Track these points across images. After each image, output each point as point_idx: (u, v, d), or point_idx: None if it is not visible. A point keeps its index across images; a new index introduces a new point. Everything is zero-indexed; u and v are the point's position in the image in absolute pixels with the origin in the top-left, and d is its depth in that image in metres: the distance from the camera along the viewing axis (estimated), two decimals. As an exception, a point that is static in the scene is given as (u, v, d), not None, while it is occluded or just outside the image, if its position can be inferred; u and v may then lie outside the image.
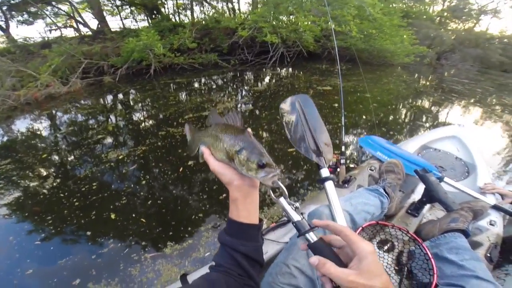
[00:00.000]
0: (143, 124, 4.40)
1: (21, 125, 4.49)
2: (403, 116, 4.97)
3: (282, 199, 0.56)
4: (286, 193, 0.54)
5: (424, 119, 4.77)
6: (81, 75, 5.90)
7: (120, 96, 5.64)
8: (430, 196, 1.20)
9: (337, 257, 0.48)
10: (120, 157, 3.43)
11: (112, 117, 4.76)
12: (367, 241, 0.46)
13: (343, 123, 1.76)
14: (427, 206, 1.32)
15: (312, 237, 0.51)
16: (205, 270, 0.86)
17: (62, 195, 2.87)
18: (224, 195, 2.74)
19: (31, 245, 2.21)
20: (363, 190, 1.26)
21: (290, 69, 8.20)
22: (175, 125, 4.10)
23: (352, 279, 0.42)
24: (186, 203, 2.72)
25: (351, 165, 1.92)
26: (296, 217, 0.54)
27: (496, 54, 12.34)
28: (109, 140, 3.90)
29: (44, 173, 3.25)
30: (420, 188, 1.42)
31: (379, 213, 1.17)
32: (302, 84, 6.56)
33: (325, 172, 0.96)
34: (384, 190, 1.26)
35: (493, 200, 1.40)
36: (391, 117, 4.77)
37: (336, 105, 4.76)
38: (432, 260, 0.87)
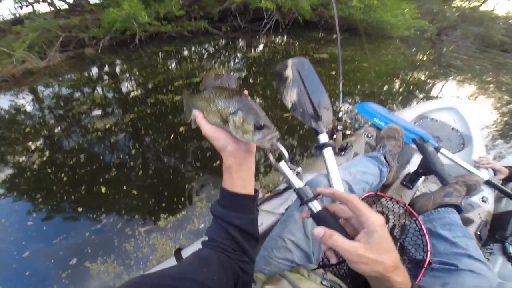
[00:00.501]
0: (130, 93, 4.10)
1: (1, 102, 4.14)
2: (399, 87, 4.83)
3: (282, 163, 0.49)
4: (287, 156, 0.48)
5: (420, 91, 4.66)
6: (59, 49, 5.41)
7: (105, 67, 5.25)
8: (427, 168, 1.14)
9: (343, 229, 0.42)
10: (107, 126, 3.17)
11: (98, 88, 4.41)
12: (376, 213, 0.40)
13: (340, 89, 1.65)
14: (422, 179, 1.27)
15: (316, 206, 0.46)
16: (199, 244, 0.77)
17: (49, 170, 2.66)
18: (218, 162, 2.55)
19: (24, 226, 2.07)
20: (362, 157, 1.18)
21: (285, 37, 7.80)
22: (165, 92, 3.81)
23: (361, 253, 0.37)
24: (178, 172, 2.53)
25: (347, 132, 1.75)
26: (298, 183, 0.48)
27: (499, 34, 11.96)
28: (95, 110, 3.61)
29: (29, 148, 3.00)
30: (416, 159, 1.37)
31: (377, 183, 1.10)
32: (298, 51, 6.27)
33: (323, 138, 0.88)
34: (385, 158, 1.19)
35: (486, 175, 1.34)
36: (387, 87, 4.63)
37: (333, 72, 4.56)
38: (427, 236, 0.83)
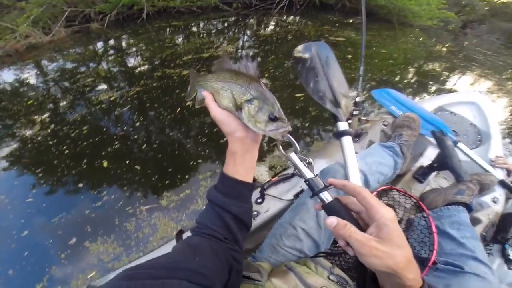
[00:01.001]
0: (136, 67, 3.84)
1: (4, 76, 3.99)
2: (417, 76, 4.42)
3: (293, 154, 0.47)
4: (298, 147, 0.47)
5: (437, 82, 4.27)
6: (64, 24, 5.17)
7: (111, 42, 5.00)
8: (443, 163, 1.09)
9: (356, 221, 0.39)
10: (112, 99, 2.97)
11: (103, 62, 4.18)
12: (387, 206, 0.38)
13: (361, 73, 1.48)
14: (434, 173, 1.22)
15: (327, 197, 0.42)
16: None
17: (51, 142, 2.49)
18: (225, 139, 2.29)
19: (23, 204, 1.93)
20: (378, 146, 1.13)
21: (298, 18, 7.27)
22: (172, 66, 3.53)
23: (374, 245, 0.34)
24: (183, 147, 2.31)
25: (362, 118, 1.57)
26: (309, 174, 0.45)
27: (529, 32, 10.88)
28: (100, 83, 3.40)
29: (32, 121, 2.83)
30: (430, 152, 1.32)
31: (391, 174, 1.05)
32: (313, 32, 5.79)
33: (343, 126, 0.85)
34: (400, 149, 1.13)
35: (501, 175, 1.27)
36: (404, 75, 4.27)
37: (350, 56, 4.22)
38: (435, 235, 0.80)
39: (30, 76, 3.87)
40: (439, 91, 3.85)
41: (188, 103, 2.75)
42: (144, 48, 4.50)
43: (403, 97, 1.57)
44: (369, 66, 4.17)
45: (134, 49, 4.61)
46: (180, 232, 0.72)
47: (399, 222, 0.87)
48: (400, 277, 0.34)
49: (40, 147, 2.45)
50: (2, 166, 2.30)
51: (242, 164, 0.49)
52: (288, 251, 0.77)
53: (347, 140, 0.84)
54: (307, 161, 0.47)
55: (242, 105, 0.44)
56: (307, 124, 2.49)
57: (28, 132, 2.67)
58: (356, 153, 0.86)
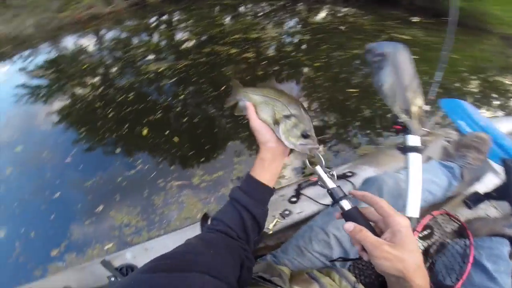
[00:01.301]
0: (186, 41, 3.77)
1: (66, 43, 4.25)
2: (491, 89, 3.60)
3: (318, 167, 0.49)
4: (323, 162, 0.49)
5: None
6: (125, -5, 5.32)
7: (165, 16, 5.02)
8: (506, 194, 0.97)
9: (372, 228, 0.41)
10: (160, 70, 2.90)
11: (155, 35, 4.19)
12: (402, 215, 0.39)
13: (436, 78, 1.16)
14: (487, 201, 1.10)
15: (346, 205, 0.45)
16: None
17: (97, 104, 2.50)
18: None
19: (61, 164, 1.92)
20: (436, 163, 1.05)
21: (355, 9, 6.59)
22: (221, 44, 3.36)
23: (386, 249, 0.36)
24: (223, 126, 2.13)
25: (424, 128, 1.11)
26: (331, 184, 0.48)
27: None
28: (150, 54, 3.37)
29: (83, 83, 2.90)
30: (488, 179, 1.18)
31: (441, 195, 0.96)
32: (374, 26, 5.15)
33: (414, 140, 0.75)
34: (461, 171, 1.05)
35: None
36: (477, 86, 3.53)
37: (416, 57, 3.43)
38: (470, 265, 0.71)
39: (88, 43, 4.03)
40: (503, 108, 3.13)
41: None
42: (195, 24, 4.41)
43: (477, 113, 1.38)
44: (435, 70, 3.45)
45: (185, 24, 4.56)
46: (205, 216, 0.73)
47: (432, 244, 0.82)
48: (408, 281, 0.36)
49: (88, 108, 2.49)
50: (53, 120, 2.36)
51: (269, 171, 0.52)
52: (316, 256, 0.74)
53: (415, 158, 0.74)
54: (331, 173, 0.49)
55: (280, 120, 0.48)
56: (356, 123, 2.13)
57: (79, 92, 2.74)
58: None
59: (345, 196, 0.45)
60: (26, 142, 2.15)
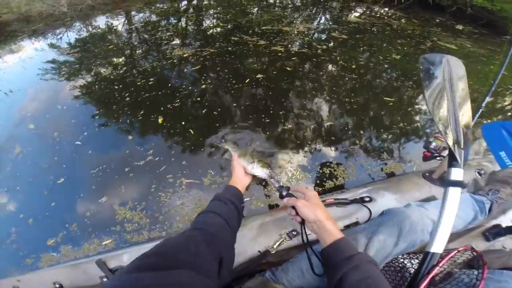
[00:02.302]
0: (215, 28, 3.63)
1: (97, 22, 4.25)
2: None
3: (271, 180, 0.80)
4: (275, 181, 0.79)
5: None
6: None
7: (194, 1, 4.90)
8: None
9: (290, 195, 0.74)
10: (184, 55, 2.78)
11: (184, 20, 4.09)
12: (311, 190, 0.71)
13: (484, 103, 1.09)
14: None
15: (284, 192, 0.75)
16: None
17: (116, 87, 2.42)
18: (287, 126, 1.90)
19: (71, 146, 1.84)
20: (466, 196, 0.98)
21: (399, 12, 6.10)
22: (250, 34, 3.16)
23: (304, 202, 0.68)
24: (244, 120, 1.94)
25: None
26: (279, 184, 0.78)
27: None
28: (176, 39, 3.27)
29: (106, 63, 2.85)
30: None
31: (461, 228, 0.93)
32: (418, 31, 4.69)
33: (458, 174, 0.67)
34: (491, 206, 0.98)
35: None
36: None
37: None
38: None
39: (118, 24, 4.01)
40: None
41: (258, 76, 2.37)
42: (224, 11, 4.26)
43: None
44: (482, 87, 2.81)
45: (214, 10, 4.40)
46: None
47: (439, 273, 0.75)
48: (323, 226, 0.64)
49: (105, 90, 2.41)
50: (69, 100, 2.31)
51: (238, 185, 0.81)
52: (316, 280, 0.75)
53: (455, 193, 0.67)
54: (279, 181, 0.78)
55: (250, 164, 0.84)
56: (388, 136, 1.86)
57: (100, 72, 2.68)
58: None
59: (285, 188, 0.75)
60: (40, 120, 2.10)
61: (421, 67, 0.77)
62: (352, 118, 1.99)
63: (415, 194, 1.04)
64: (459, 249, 0.78)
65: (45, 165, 1.70)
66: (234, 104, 2.08)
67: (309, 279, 0.75)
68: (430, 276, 0.66)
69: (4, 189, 1.62)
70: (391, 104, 2.18)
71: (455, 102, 0.72)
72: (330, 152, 1.72)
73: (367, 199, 0.99)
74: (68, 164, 1.70)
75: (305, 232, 0.75)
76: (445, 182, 0.68)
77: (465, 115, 0.73)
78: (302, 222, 0.71)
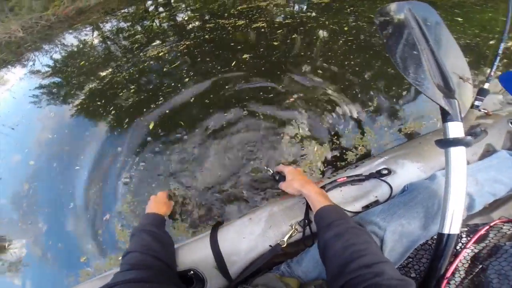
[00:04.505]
0: (187, 21, 3.54)
1: (60, 40, 4.21)
2: None
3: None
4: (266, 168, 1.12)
5: None
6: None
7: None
8: None
9: (284, 177, 0.87)
10: (160, 54, 2.73)
11: (151, 19, 4.00)
12: (287, 166, 0.89)
13: (500, 49, 0.96)
14: None
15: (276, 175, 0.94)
16: (240, 221, 0.86)
17: (99, 102, 2.38)
18: (291, 99, 1.83)
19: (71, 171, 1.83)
20: (503, 155, 0.87)
21: None
22: (225, 17, 3.09)
23: (283, 185, 0.84)
24: (240, 103, 1.89)
25: (483, 110, 1.09)
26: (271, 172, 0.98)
27: None
28: (148, 40, 3.21)
29: (82, 83, 2.80)
30: None
31: (504, 194, 0.80)
32: None
33: (456, 130, 0.59)
34: None
35: None
36: None
37: (460, 19, 2.64)
38: None
39: (82, 38, 3.95)
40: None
41: (245, 56, 2.32)
42: (193, 1, 4.16)
43: None
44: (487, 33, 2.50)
45: (183, 3, 4.28)
46: (217, 225, 0.86)
47: (483, 249, 0.67)
48: (306, 193, 0.75)
49: (89, 107, 2.38)
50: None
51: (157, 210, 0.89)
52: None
53: (458, 153, 0.58)
54: (268, 169, 0.99)
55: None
56: (402, 92, 1.76)
57: (81, 91, 2.63)
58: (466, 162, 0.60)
59: (274, 173, 0.93)
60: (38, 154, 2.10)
61: (378, 23, 0.70)
62: (357, 79, 1.90)
63: (440, 159, 0.90)
64: (492, 224, 0.69)
65: (53, 196, 1.74)
66: (227, 87, 2.02)
67: (324, 269, 0.71)
68: (455, 264, 0.59)
69: (28, 223, 1.68)
70: (392, 71, 2.09)
71: (434, 48, 0.65)
72: (340, 120, 1.64)
73: (385, 171, 0.89)
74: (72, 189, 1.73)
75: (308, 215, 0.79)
76: (442, 142, 0.60)
77: (454, 59, 0.67)
78: (307, 206, 0.76)
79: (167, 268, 0.65)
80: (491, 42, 2.14)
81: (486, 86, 1.02)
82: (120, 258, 1.32)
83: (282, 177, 0.86)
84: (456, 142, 0.58)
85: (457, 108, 0.59)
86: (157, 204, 0.89)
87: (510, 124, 1.09)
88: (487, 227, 0.69)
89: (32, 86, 3.06)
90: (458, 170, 0.57)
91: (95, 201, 1.61)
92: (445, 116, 0.60)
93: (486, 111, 1.11)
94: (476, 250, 0.68)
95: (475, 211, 0.76)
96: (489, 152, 0.97)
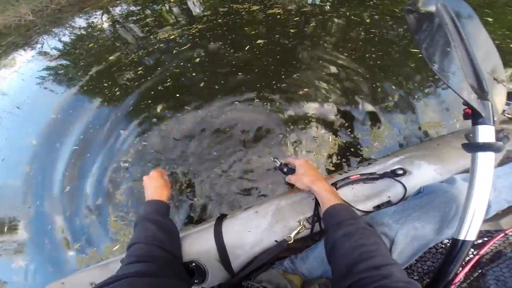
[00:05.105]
0: (199, 4, 3.44)
1: (70, 24, 4.21)
2: None
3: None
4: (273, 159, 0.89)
5: None
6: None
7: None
8: None
9: (292, 170, 0.83)
10: (171, 37, 2.66)
11: (161, 2, 3.89)
12: (298, 159, 0.82)
13: None
14: None
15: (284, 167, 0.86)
16: (246, 215, 0.83)
17: (105, 84, 2.33)
18: (302, 91, 1.75)
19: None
20: None
21: None
22: (240, 1, 2.99)
23: (292, 178, 0.79)
24: (251, 89, 1.81)
25: (507, 115, 1.00)
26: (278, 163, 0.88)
27: None
28: (159, 23, 3.15)
29: (90, 64, 2.76)
30: None
31: None
32: None
33: (487, 134, 0.56)
34: None
35: None
36: None
37: (490, 19, 2.49)
38: None
39: (92, 21, 3.94)
40: None
41: (259, 41, 2.23)
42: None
43: None
44: None
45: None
46: (222, 217, 0.85)
47: (485, 254, 0.67)
48: (315, 189, 0.71)
49: (96, 88, 2.35)
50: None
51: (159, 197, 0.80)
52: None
53: (486, 159, 0.55)
54: (275, 160, 0.88)
55: None
56: (424, 90, 1.66)
57: (85, 73, 2.60)
58: None
59: (283, 165, 0.86)
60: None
61: (408, 16, 0.67)
62: (376, 73, 1.81)
63: (459, 162, 0.88)
64: (507, 232, 0.69)
65: (51, 178, 1.69)
66: (240, 73, 1.95)
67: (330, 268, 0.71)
68: (464, 270, 0.59)
69: (27, 206, 1.64)
70: (420, 55, 2.00)
71: (468, 45, 0.61)
72: (357, 114, 1.56)
73: (400, 171, 0.86)
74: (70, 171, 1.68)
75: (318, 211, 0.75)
76: (470, 146, 0.57)
77: (489, 59, 0.63)
78: (316, 202, 0.74)
79: (174, 258, 0.65)
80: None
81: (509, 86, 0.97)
82: (115, 248, 1.31)
83: (291, 170, 0.82)
84: (486, 147, 0.56)
85: (490, 111, 0.56)
86: (157, 189, 0.81)
87: None
88: (502, 234, 0.68)
89: (39, 68, 3.05)
90: (485, 177, 0.56)
91: (93, 185, 1.56)
92: (477, 118, 0.57)
93: (510, 116, 1.06)
94: (476, 253, 0.68)
95: (488, 217, 0.76)
96: (509, 158, 0.95)
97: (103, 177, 1.58)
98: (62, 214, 1.53)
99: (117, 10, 4.06)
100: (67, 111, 2.17)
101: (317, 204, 0.77)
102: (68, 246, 1.41)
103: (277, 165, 0.85)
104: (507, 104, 0.89)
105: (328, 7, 2.69)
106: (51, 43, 3.77)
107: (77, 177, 1.64)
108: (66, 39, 3.76)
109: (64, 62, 3.08)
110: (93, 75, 2.53)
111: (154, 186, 0.81)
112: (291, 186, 0.83)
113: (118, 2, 4.31)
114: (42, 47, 3.75)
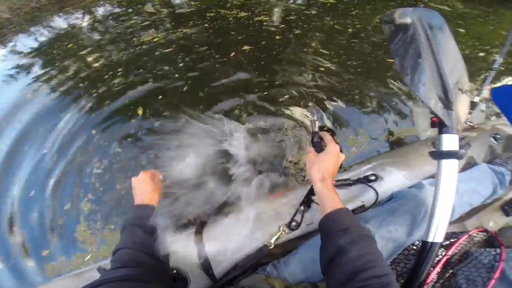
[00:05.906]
0: (186, 8, 3.45)
1: (46, 23, 4.07)
2: None
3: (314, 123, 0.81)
4: (316, 122, 0.80)
5: None
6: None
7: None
8: None
9: (320, 148, 0.74)
10: (155, 40, 2.64)
11: (149, 4, 3.87)
12: (335, 144, 0.69)
13: (496, 64, 1.04)
14: None
15: (316, 137, 0.77)
16: (227, 220, 0.84)
17: (81, 86, 2.27)
18: (286, 96, 1.81)
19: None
20: (484, 168, 0.95)
21: None
22: (228, 7, 3.03)
23: (309, 158, 0.70)
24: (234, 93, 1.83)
25: (469, 123, 1.15)
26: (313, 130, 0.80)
27: None
28: (144, 25, 3.12)
29: (66, 66, 2.67)
30: None
31: (480, 203, 0.90)
32: None
33: (451, 142, 0.60)
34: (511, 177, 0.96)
35: None
36: None
37: (462, 31, 2.75)
38: (494, 280, 0.65)
39: (72, 21, 3.84)
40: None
41: (245, 48, 2.25)
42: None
43: None
44: (485, 48, 2.48)
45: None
46: (203, 224, 0.85)
47: (454, 254, 0.74)
48: (326, 183, 0.64)
49: (73, 89, 2.28)
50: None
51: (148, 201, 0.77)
52: (318, 276, 0.72)
53: (450, 166, 0.60)
54: (313, 119, 0.81)
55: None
56: (396, 99, 1.77)
57: (65, 74, 2.51)
58: None
59: (315, 134, 0.77)
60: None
61: (385, 27, 0.71)
62: (356, 80, 1.91)
63: (426, 168, 0.97)
64: (470, 233, 0.74)
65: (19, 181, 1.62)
66: (224, 78, 1.95)
67: (312, 273, 0.73)
68: (435, 270, 0.63)
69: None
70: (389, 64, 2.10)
71: (437, 56, 0.65)
72: (335, 120, 1.65)
73: (372, 177, 0.93)
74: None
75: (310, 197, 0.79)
76: (435, 153, 0.62)
77: (456, 70, 0.67)
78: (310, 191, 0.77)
79: (160, 265, 0.64)
80: (480, 54, 2.25)
81: (477, 99, 1.09)
82: (87, 258, 1.26)
83: (319, 146, 0.74)
84: (450, 154, 0.60)
85: (455, 120, 0.60)
86: (147, 192, 0.78)
87: (492, 139, 1.16)
88: (466, 235, 0.73)
89: (10, 66, 2.91)
90: (449, 182, 0.60)
91: (60, 189, 1.51)
92: (442, 127, 0.61)
93: (472, 124, 1.17)
94: (447, 253, 0.74)
95: (452, 219, 0.82)
96: (470, 164, 1.03)
97: (72, 181, 1.52)
98: (25, 219, 1.46)
99: (100, 11, 3.97)
100: (40, 112, 2.07)
101: (310, 193, 0.81)
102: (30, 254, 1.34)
103: (315, 127, 0.77)
104: (469, 113, 1.06)
105: (313, 17, 2.78)
106: (27, 42, 3.62)
107: (42, 181, 1.56)
108: (42, 38, 3.63)
109: (39, 61, 2.96)
110: (70, 76, 2.44)
111: (143, 190, 0.79)
112: (276, 190, 0.84)
113: (102, 2, 4.22)
114: (15, 45, 3.60)
